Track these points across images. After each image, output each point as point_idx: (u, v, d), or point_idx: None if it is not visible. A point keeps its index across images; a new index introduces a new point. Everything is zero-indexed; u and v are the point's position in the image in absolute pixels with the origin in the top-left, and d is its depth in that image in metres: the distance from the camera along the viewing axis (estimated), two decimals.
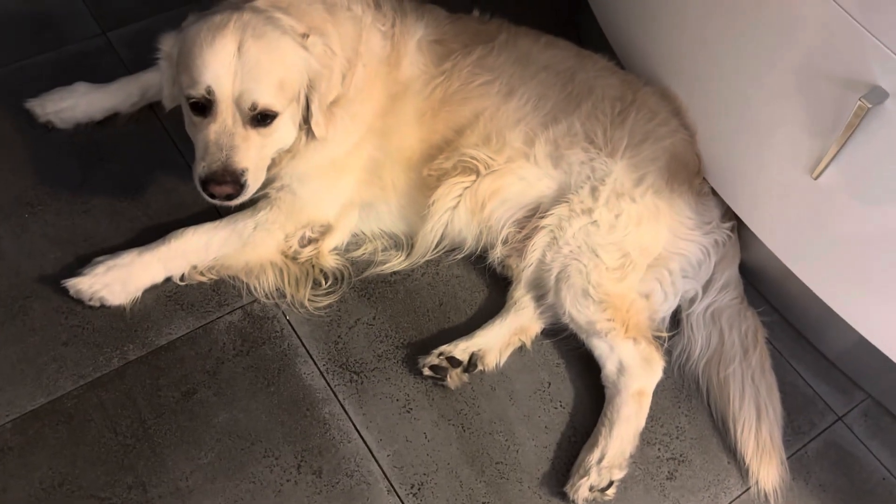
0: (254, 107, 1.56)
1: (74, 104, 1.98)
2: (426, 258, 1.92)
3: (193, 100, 1.56)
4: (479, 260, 1.94)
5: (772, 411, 1.77)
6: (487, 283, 1.94)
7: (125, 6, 2.26)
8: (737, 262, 1.93)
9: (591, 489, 1.63)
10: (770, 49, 1.59)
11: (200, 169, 1.58)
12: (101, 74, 2.05)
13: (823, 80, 1.49)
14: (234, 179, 1.58)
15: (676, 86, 1.89)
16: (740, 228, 1.92)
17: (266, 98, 1.57)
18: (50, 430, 1.60)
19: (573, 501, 1.64)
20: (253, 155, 1.61)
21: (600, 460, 1.65)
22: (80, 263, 1.76)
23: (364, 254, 1.92)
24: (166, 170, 1.97)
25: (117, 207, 1.90)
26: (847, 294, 1.72)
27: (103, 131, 2.01)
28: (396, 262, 1.92)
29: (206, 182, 1.57)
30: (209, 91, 1.54)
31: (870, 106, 1.40)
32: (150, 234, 1.82)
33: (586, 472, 1.64)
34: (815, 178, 1.59)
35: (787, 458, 1.76)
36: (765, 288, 2.00)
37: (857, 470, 1.79)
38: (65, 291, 1.72)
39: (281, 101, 1.60)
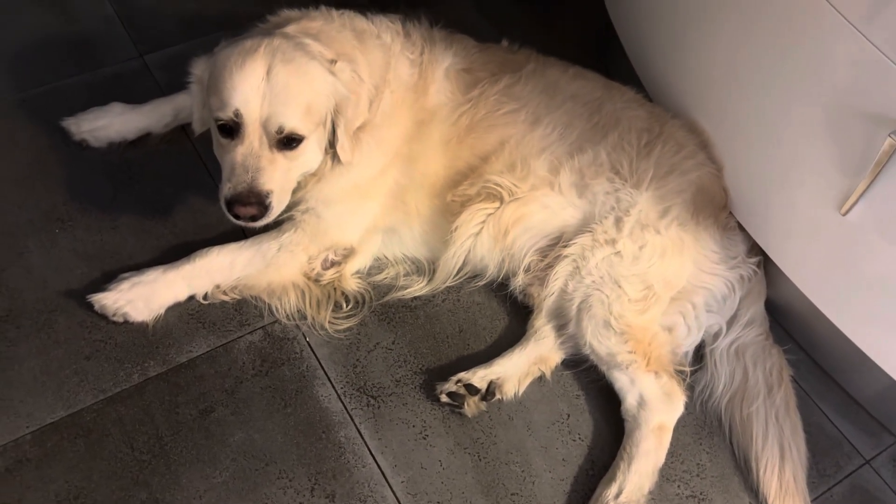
0: (280, 130, 1.58)
1: (108, 123, 2.02)
2: (447, 284, 1.92)
3: (221, 122, 1.59)
4: (500, 287, 1.94)
5: (796, 452, 1.73)
6: (508, 311, 1.93)
7: (162, 30, 2.31)
8: (763, 299, 1.90)
9: None
10: (800, 84, 1.58)
11: (226, 190, 1.60)
12: (136, 96, 2.09)
13: (853, 117, 1.48)
14: (259, 201, 1.59)
15: (704, 119, 1.88)
16: (767, 264, 1.89)
17: (293, 122, 1.59)
18: (68, 443, 1.61)
19: None
20: (278, 178, 1.63)
21: (618, 495, 1.62)
22: (107, 279, 1.78)
23: (386, 278, 1.92)
24: (195, 190, 2.00)
25: (145, 226, 1.93)
26: (877, 335, 1.69)
27: (136, 151, 2.04)
28: (418, 288, 1.92)
29: (232, 203, 1.59)
30: (237, 114, 1.56)
31: None
32: (176, 252, 1.84)
33: (602, 500, 1.61)
34: (844, 215, 1.57)
35: (812, 502, 1.71)
36: (791, 326, 1.97)
37: None
38: (90, 306, 1.74)
39: (308, 125, 1.62)
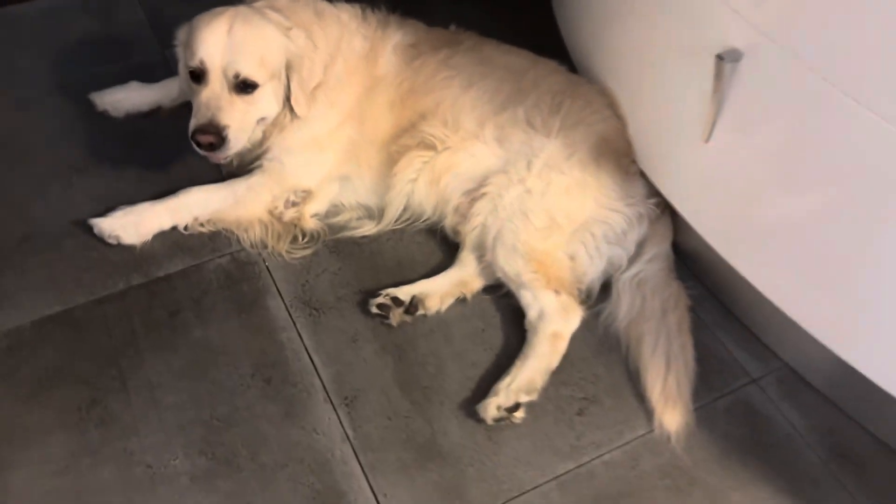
0: (237, 75, 1.95)
1: (126, 97, 2.45)
2: (393, 227, 2.23)
3: (191, 69, 1.98)
4: (438, 231, 2.23)
5: (682, 363, 1.93)
6: (442, 249, 2.21)
7: None
8: (668, 241, 2.13)
9: (498, 408, 1.83)
10: (661, 34, 1.86)
11: (192, 124, 1.97)
12: (154, 81, 2.52)
13: (693, 51, 1.74)
14: (217, 132, 1.95)
15: (611, 82, 2.16)
16: (675, 214, 2.13)
17: (247, 69, 1.96)
18: (59, 331, 1.97)
19: (483, 419, 1.84)
20: (237, 117, 1.99)
21: (509, 385, 1.86)
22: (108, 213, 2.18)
23: (340, 221, 2.24)
24: (191, 153, 2.36)
25: (146, 176, 2.31)
26: (754, 257, 1.88)
27: (147, 120, 2.46)
28: (367, 229, 2.23)
29: (195, 133, 1.96)
30: (202, 62, 1.94)
31: (728, 64, 1.64)
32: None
33: (495, 393, 1.85)
34: (706, 142, 1.81)
35: (695, 409, 1.90)
36: (699, 271, 2.18)
37: (762, 425, 1.91)
38: (90, 229, 2.13)
39: (261, 73, 1.98)
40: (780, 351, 2.04)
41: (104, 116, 2.46)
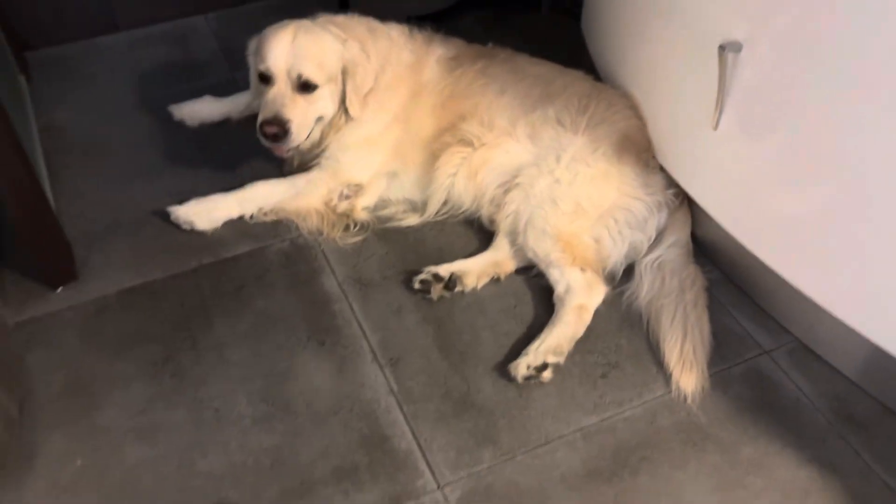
0: (299, 76, 2.24)
1: (200, 109, 2.77)
2: (434, 219, 2.47)
3: (261, 72, 2.27)
4: (476, 223, 2.46)
5: (698, 333, 2.10)
6: (479, 239, 2.43)
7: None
8: (687, 229, 2.32)
9: (528, 367, 2.02)
10: (671, 34, 2.10)
11: (260, 118, 2.26)
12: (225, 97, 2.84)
13: (700, 45, 1.97)
14: (280, 124, 2.23)
15: (632, 87, 2.40)
16: (693, 207, 2.33)
17: (308, 71, 2.24)
18: (139, 300, 2.24)
19: (514, 378, 2.04)
20: (298, 113, 2.27)
21: (538, 347, 2.06)
22: None
23: (388, 213, 2.49)
24: (256, 156, 2.66)
25: (216, 175, 2.59)
26: (762, 234, 2.07)
27: (218, 130, 2.77)
28: (411, 220, 2.48)
29: (262, 124, 2.24)
30: (269, 65, 2.24)
31: (730, 54, 1.87)
32: None
33: (526, 354, 2.05)
34: (715, 130, 2.03)
35: (710, 375, 2.07)
36: (718, 260, 2.36)
37: (773, 390, 2.07)
38: (167, 216, 2.41)
39: (320, 75, 2.26)
40: (792, 327, 2.20)
41: (180, 125, 2.77)
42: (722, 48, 1.88)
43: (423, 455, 1.91)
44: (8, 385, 1.92)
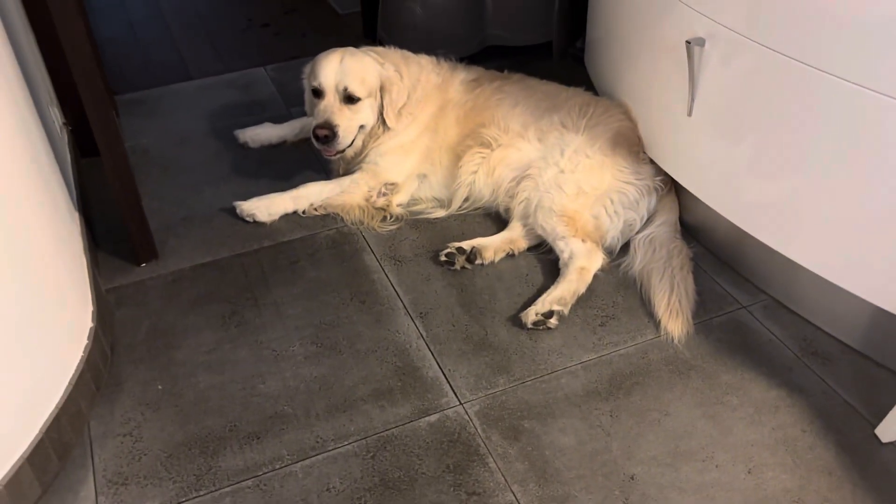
0: (345, 90, 2.72)
1: (261, 132, 3.27)
2: (458, 212, 2.89)
3: (313, 88, 2.76)
4: (494, 215, 2.87)
5: (683, 289, 2.46)
6: (497, 227, 2.84)
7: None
8: (675, 213, 2.71)
9: (536, 314, 2.39)
10: (650, 40, 2.55)
11: (313, 124, 2.73)
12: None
13: (672, 45, 2.41)
14: (330, 128, 2.70)
15: (625, 96, 2.84)
16: (680, 193, 2.72)
17: (353, 86, 2.72)
18: (209, 272, 2.65)
19: (524, 324, 2.40)
20: (344, 120, 2.74)
21: (545, 298, 2.43)
22: None
23: (418, 209, 2.92)
24: (307, 170, 3.14)
25: (274, 184, 3.05)
26: (736, 204, 2.45)
27: (276, 150, 3.26)
28: (438, 214, 2.90)
29: (315, 128, 2.71)
30: (321, 82, 2.73)
31: (696, 48, 2.30)
32: None
33: (534, 304, 2.42)
34: (690, 116, 2.44)
35: (694, 324, 2.41)
36: (702, 237, 2.73)
37: (749, 334, 2.39)
38: (233, 210, 2.86)
39: (362, 90, 2.74)
40: (768, 289, 2.54)
41: (244, 147, 3.27)
42: (688, 42, 2.31)
43: (448, 380, 2.27)
44: (105, 328, 2.33)
